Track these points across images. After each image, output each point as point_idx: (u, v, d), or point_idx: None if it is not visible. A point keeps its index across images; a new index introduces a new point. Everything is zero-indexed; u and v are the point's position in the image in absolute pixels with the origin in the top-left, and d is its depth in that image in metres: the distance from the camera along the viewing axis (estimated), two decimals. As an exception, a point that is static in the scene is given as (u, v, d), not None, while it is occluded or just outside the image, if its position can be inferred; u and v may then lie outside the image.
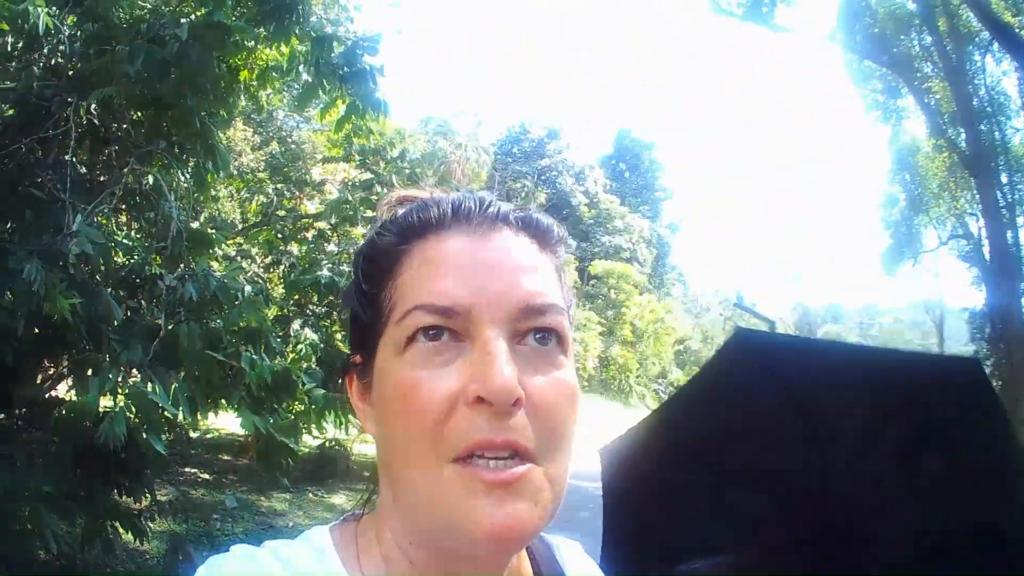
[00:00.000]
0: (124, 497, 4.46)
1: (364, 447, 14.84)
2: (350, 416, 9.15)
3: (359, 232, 11.67)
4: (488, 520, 0.60)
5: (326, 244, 11.23)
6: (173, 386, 4.23)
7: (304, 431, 8.94)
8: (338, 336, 11.35)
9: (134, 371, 4.13)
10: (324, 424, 7.16)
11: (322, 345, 10.67)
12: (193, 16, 4.78)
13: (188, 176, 5.05)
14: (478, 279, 0.67)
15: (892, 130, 24.31)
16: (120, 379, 3.89)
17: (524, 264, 0.69)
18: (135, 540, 4.66)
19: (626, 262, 55.53)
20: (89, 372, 4.11)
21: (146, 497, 4.63)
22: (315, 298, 10.32)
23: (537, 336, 0.67)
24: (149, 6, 5.05)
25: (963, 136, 18.45)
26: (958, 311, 29.91)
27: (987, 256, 18.84)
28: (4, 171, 4.22)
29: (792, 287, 43.19)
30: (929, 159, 23.01)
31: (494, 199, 0.75)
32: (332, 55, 5.49)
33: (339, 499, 9.85)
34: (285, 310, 10.71)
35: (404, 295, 0.68)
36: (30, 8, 3.87)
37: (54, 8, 4.26)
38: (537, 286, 0.68)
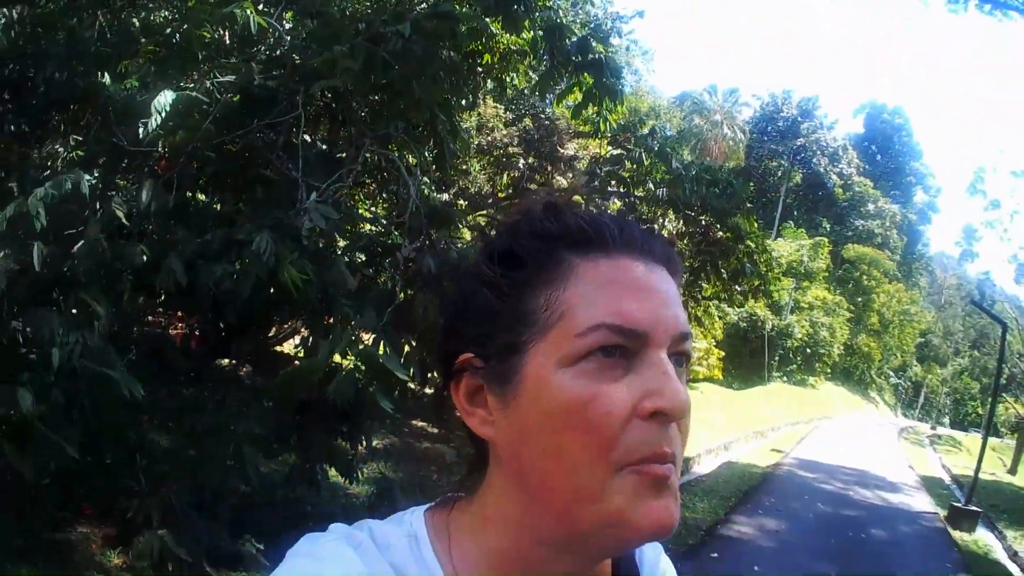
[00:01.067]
0: (341, 441, 4.68)
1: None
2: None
3: (616, 205, 11.65)
4: (655, 515, 0.64)
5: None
6: (405, 349, 4.35)
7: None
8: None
9: (367, 336, 4.27)
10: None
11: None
12: (418, 8, 4.85)
13: (428, 155, 5.15)
14: (655, 304, 0.68)
15: None
16: (352, 340, 4.03)
17: (677, 293, 0.72)
18: (344, 481, 4.87)
19: (877, 248, 52.56)
20: (319, 335, 4.31)
21: (363, 444, 4.81)
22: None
23: (679, 359, 0.70)
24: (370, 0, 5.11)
25: None
26: None
27: None
28: (233, 154, 4.43)
29: None
30: None
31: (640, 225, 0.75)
32: (565, 43, 5.45)
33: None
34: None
35: (578, 308, 0.67)
36: (236, 11, 4.03)
37: (267, 7, 4.44)
38: (684, 315, 0.71)
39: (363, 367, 4.07)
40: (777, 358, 39.45)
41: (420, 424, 9.60)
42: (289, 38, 4.74)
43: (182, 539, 3.88)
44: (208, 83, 4.39)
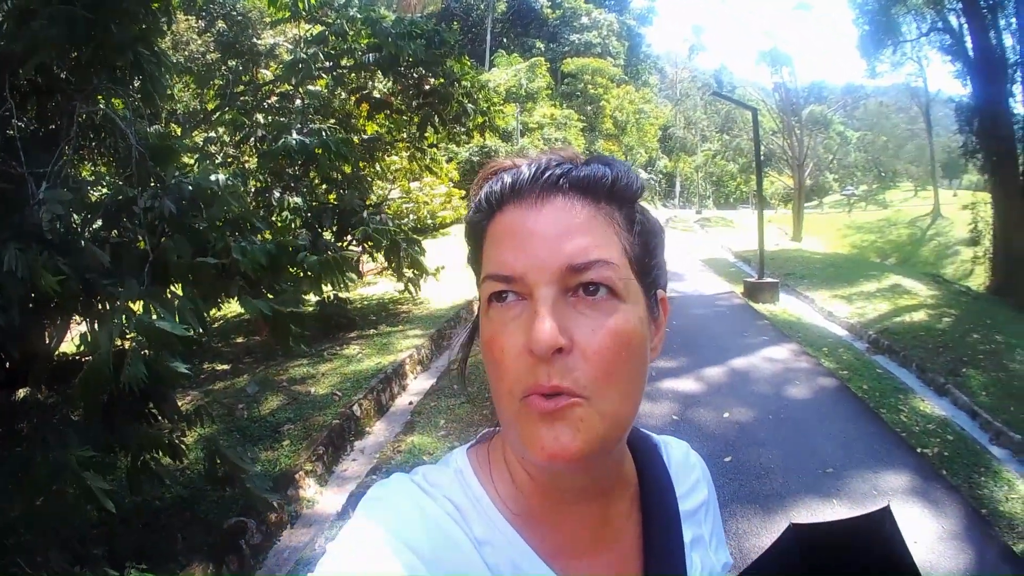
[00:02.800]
0: (155, 423, 4.56)
1: (365, 291, 15.08)
2: (348, 275, 9.35)
3: (323, 82, 11.47)
4: (540, 444, 0.74)
5: (291, 105, 11.05)
6: (175, 303, 4.25)
7: (305, 296, 9.11)
8: (321, 190, 11.36)
9: (137, 305, 4.13)
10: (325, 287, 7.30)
11: (305, 206, 10.69)
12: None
13: (136, 94, 4.90)
14: (529, 248, 0.78)
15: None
16: (124, 319, 3.89)
17: (569, 226, 0.78)
18: (174, 461, 4.81)
19: (599, 57, 54.57)
20: (95, 325, 4.13)
21: (176, 416, 4.72)
22: (289, 162, 10.22)
23: (588, 289, 0.77)
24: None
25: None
26: (944, 101, 29.58)
27: (970, 53, 18.28)
28: None
29: (771, 71, 42.12)
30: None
31: (552, 164, 0.82)
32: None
33: (352, 350, 10.06)
34: (263, 181, 10.64)
35: (483, 264, 0.83)
36: None
37: None
38: (579, 245, 0.77)
39: (145, 340, 3.95)
40: None
41: (209, 366, 9.40)
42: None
43: None
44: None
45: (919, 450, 6.47)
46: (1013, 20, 17.44)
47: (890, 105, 59.70)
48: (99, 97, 4.67)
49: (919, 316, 12.34)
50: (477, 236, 0.86)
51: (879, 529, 0.98)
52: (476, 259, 0.87)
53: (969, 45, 18.49)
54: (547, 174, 0.81)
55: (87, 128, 4.67)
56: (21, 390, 4.78)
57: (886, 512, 0.99)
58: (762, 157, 20.08)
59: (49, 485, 3.63)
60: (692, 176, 74.49)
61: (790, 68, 42.54)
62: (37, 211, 3.78)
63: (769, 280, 15.05)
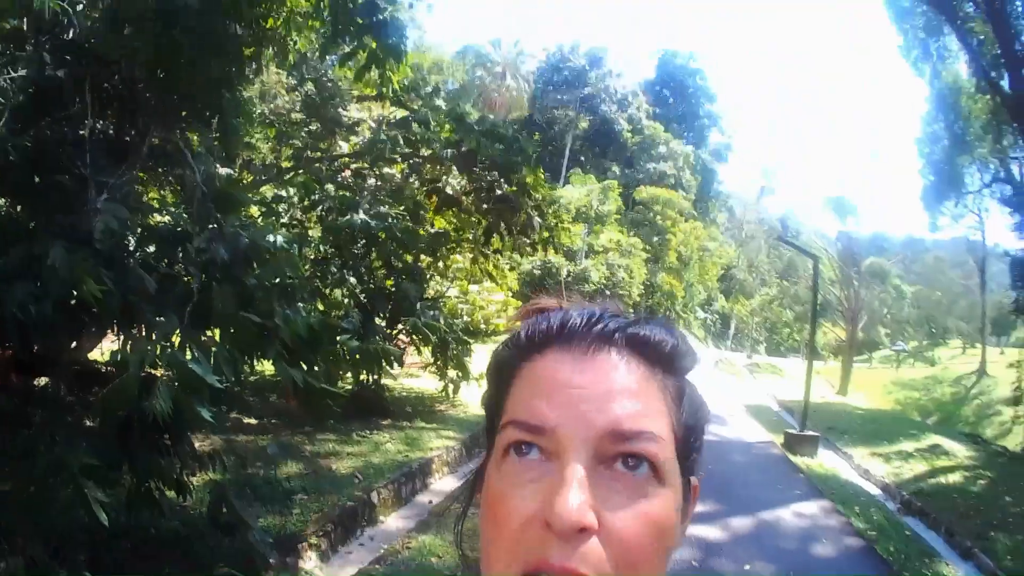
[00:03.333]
0: (167, 457, 4.57)
1: (406, 382, 15.06)
2: (385, 366, 9.36)
3: (400, 167, 11.70)
4: None
5: (363, 183, 11.27)
6: (212, 350, 4.29)
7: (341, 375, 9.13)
8: (379, 274, 11.47)
9: (175, 339, 4.18)
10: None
11: (359, 288, 10.79)
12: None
13: (213, 133, 5.05)
14: (569, 400, 0.68)
15: (933, 68, 23.36)
16: (159, 349, 3.94)
17: (620, 386, 0.70)
18: (178, 496, 4.80)
19: (671, 188, 55.11)
20: (128, 348, 4.19)
21: (188, 455, 4.74)
22: (352, 240, 10.37)
23: (628, 463, 0.67)
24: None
25: (1006, 79, 17.77)
26: (999, 255, 29.42)
27: None
28: (22, 159, 4.23)
29: (836, 218, 42.54)
30: (972, 100, 22.11)
31: (607, 314, 0.76)
32: (350, 4, 5.46)
33: (383, 437, 9.99)
34: (323, 252, 10.80)
35: (509, 408, 0.73)
36: None
37: None
38: (629, 410, 0.68)
39: (175, 375, 3.99)
40: None
41: (237, 416, 9.40)
42: (77, 21, 4.47)
43: None
44: (1, 80, 4.12)
45: None
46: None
47: (946, 260, 59.31)
48: (176, 129, 4.81)
49: (954, 478, 12.04)
50: (504, 375, 0.77)
51: None
52: (497, 400, 0.77)
53: None
54: (602, 324, 0.74)
55: (159, 153, 4.80)
56: (39, 379, 4.82)
57: None
58: (819, 307, 19.93)
59: (45, 479, 3.64)
60: (747, 320, 74.14)
61: (855, 218, 42.62)
62: (92, 218, 3.86)
63: (810, 433, 14.68)
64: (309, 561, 6.16)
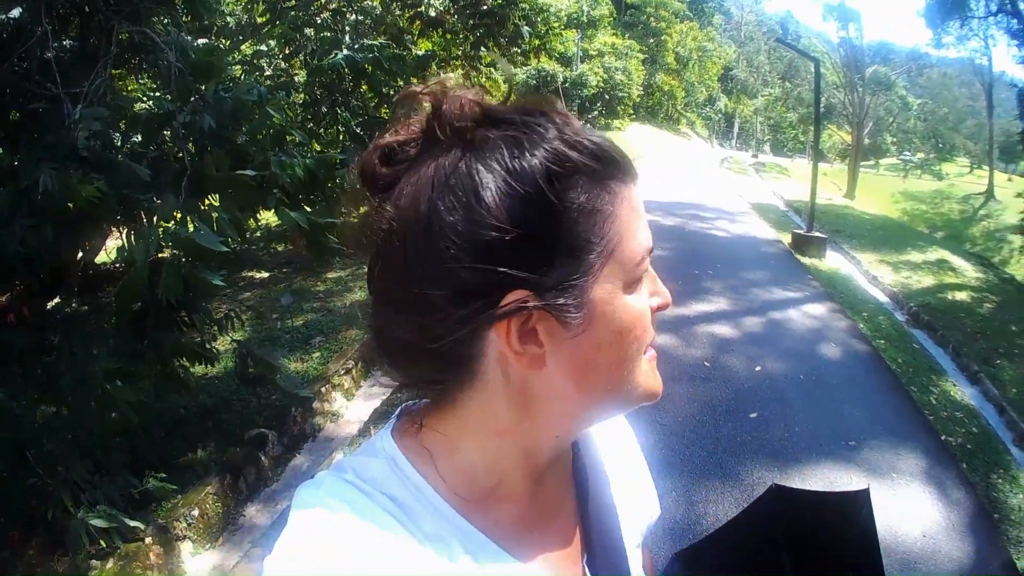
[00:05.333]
0: (186, 330, 4.69)
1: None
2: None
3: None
4: (658, 385, 0.83)
5: (343, 20, 11.00)
6: (214, 216, 4.33)
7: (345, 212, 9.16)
8: (371, 104, 11.37)
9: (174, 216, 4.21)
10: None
11: (353, 121, 10.71)
12: None
13: (180, 10, 4.93)
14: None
15: None
16: (161, 232, 3.99)
17: None
18: (205, 367, 4.95)
19: (662, -10, 53.43)
20: (131, 239, 4.22)
21: (207, 324, 4.85)
22: (340, 77, 10.22)
23: None
24: None
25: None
26: (1007, 84, 28.56)
27: None
28: None
29: (838, 26, 41.38)
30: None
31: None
32: None
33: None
34: (312, 95, 10.66)
35: (628, 237, 0.75)
36: None
37: None
38: None
39: (181, 252, 4.06)
40: (576, 107, 40.58)
41: (248, 274, 9.57)
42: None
43: (98, 510, 3.89)
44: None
45: (943, 437, 6.37)
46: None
47: (953, 77, 57.90)
48: (142, 18, 4.69)
49: (961, 296, 12.02)
50: (594, 200, 0.73)
51: (856, 510, 1.00)
52: (591, 232, 0.73)
53: None
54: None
55: (128, 46, 4.71)
56: (51, 301, 4.91)
57: (865, 495, 1.00)
58: (822, 110, 19.64)
59: (74, 395, 3.77)
60: (751, 119, 73.31)
61: (857, 25, 41.49)
62: (73, 131, 3.85)
63: (818, 234, 14.66)
64: (335, 402, 6.39)
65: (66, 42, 4.63)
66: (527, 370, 0.75)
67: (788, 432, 6.08)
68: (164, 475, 4.54)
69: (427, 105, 0.77)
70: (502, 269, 0.69)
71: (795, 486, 1.03)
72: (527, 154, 0.71)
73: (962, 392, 7.75)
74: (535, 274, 0.70)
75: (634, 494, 1.02)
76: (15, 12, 4.11)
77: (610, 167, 0.74)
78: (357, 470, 0.78)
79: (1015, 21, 19.46)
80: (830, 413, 6.58)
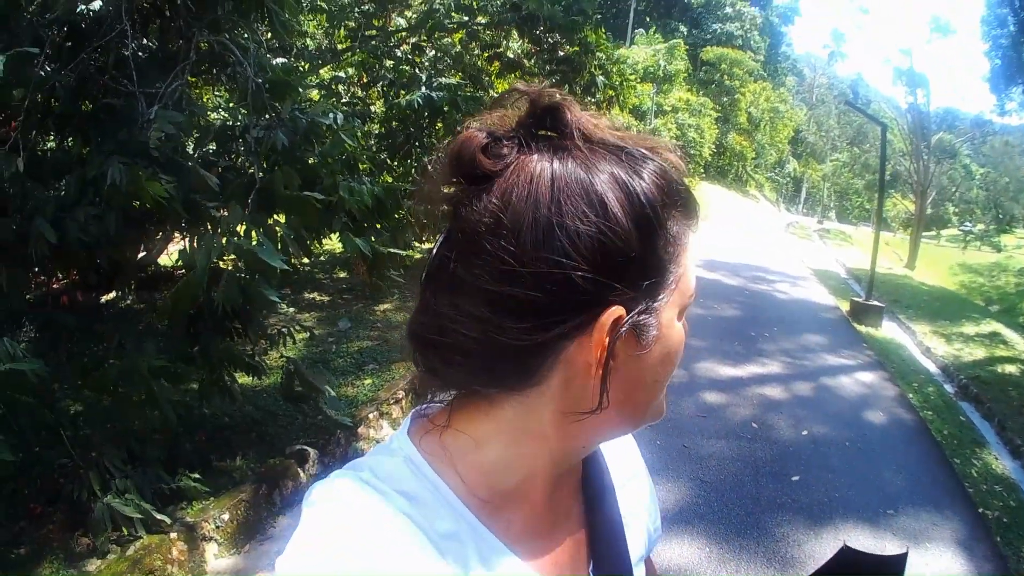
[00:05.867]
0: (238, 340, 4.76)
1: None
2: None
3: (458, 36, 11.55)
4: (665, 407, 0.88)
5: (422, 55, 11.18)
6: (279, 233, 4.37)
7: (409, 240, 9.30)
8: (445, 142, 11.49)
9: (240, 228, 4.25)
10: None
11: (426, 157, 10.82)
12: None
13: (261, 25, 5.02)
14: None
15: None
16: (224, 242, 4.02)
17: None
18: (252, 379, 4.98)
19: (739, 49, 53.60)
20: (194, 243, 4.28)
21: (261, 337, 4.89)
22: (417, 114, 10.34)
23: None
24: None
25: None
26: None
27: None
28: (71, 91, 4.23)
29: (906, 90, 41.28)
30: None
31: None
32: None
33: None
34: (389, 126, 10.79)
35: (689, 271, 0.82)
36: None
37: None
38: None
39: (242, 263, 4.10)
40: None
41: (309, 296, 9.65)
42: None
43: (126, 498, 3.94)
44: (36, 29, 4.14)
45: (980, 510, 6.25)
46: None
47: (1015, 145, 57.01)
48: (222, 28, 4.78)
49: (1011, 369, 11.75)
50: (676, 236, 0.78)
51: (892, 570, 1.00)
52: (666, 258, 0.77)
53: None
54: None
55: (207, 55, 4.79)
56: (107, 295, 4.98)
57: (903, 558, 1.00)
58: (887, 177, 19.43)
59: (116, 387, 3.80)
60: (819, 185, 72.88)
61: (925, 91, 41.17)
62: (145, 130, 3.91)
63: (875, 303, 14.49)
64: (381, 429, 6.38)
65: (145, 42, 4.73)
66: (593, 382, 0.74)
67: (828, 497, 6.00)
68: (199, 476, 4.56)
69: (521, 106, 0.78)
70: (614, 283, 0.71)
71: (864, 549, 1.00)
72: (639, 176, 0.74)
73: (1004, 465, 7.59)
74: (628, 289, 0.73)
75: (638, 508, 1.03)
76: (96, 5, 4.18)
77: (693, 209, 0.81)
78: (373, 468, 0.78)
79: None
80: (872, 480, 6.49)
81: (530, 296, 0.70)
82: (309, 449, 5.44)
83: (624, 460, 1.05)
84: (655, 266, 0.75)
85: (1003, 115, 28.60)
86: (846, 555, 1.00)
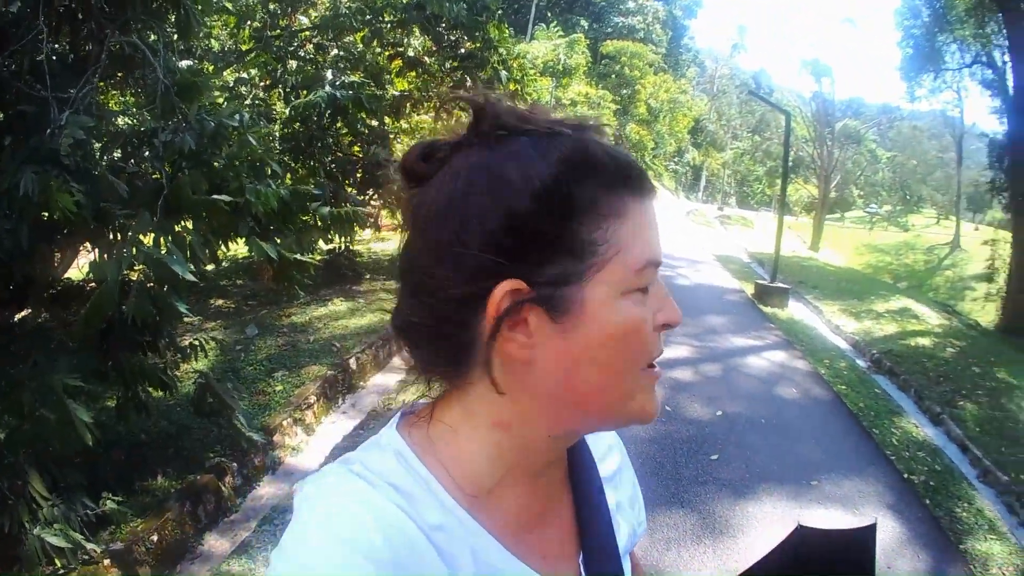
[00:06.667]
0: (150, 354, 4.62)
1: (378, 245, 15.07)
2: (358, 230, 9.38)
3: (360, 34, 11.46)
4: (656, 405, 0.83)
5: (326, 55, 11.06)
6: (188, 240, 4.29)
7: (314, 244, 9.19)
8: (346, 141, 11.36)
9: (147, 238, 4.16)
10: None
11: (328, 158, 10.71)
12: None
13: (170, 27, 4.92)
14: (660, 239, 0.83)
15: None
16: (135, 251, 3.93)
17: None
18: (165, 395, 4.86)
19: (640, 43, 54.20)
20: (104, 255, 4.17)
21: (171, 350, 4.78)
22: (320, 114, 10.23)
23: None
24: None
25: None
26: (977, 135, 29.30)
27: (1011, 91, 18.06)
28: None
29: (811, 80, 42.57)
30: (955, -22, 21.54)
31: (633, 159, 0.84)
32: None
33: (358, 303, 10.05)
34: (290, 129, 10.65)
35: (632, 245, 0.79)
36: None
37: None
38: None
39: (152, 273, 4.01)
40: None
41: (214, 302, 9.48)
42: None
43: (55, 528, 3.81)
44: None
45: (906, 475, 6.45)
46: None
47: (923, 131, 59.03)
48: (133, 30, 4.66)
49: (924, 342, 12.20)
50: (597, 206, 0.78)
51: (859, 542, 1.03)
52: (587, 235, 0.77)
53: (1011, 83, 18.20)
54: (642, 171, 0.84)
55: (118, 58, 4.67)
56: (21, 312, 4.82)
57: (870, 529, 1.03)
58: (790, 163, 19.94)
59: (33, 409, 3.68)
60: (718, 172, 74.26)
61: (830, 79, 42.40)
62: (57, 136, 3.79)
63: (781, 284, 14.87)
64: (295, 437, 6.32)
65: (58, 46, 4.59)
66: (517, 359, 0.78)
67: (749, 472, 6.15)
68: (121, 499, 4.44)
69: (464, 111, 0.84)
70: (499, 259, 0.75)
71: (818, 525, 1.04)
72: (548, 151, 0.77)
73: (924, 433, 7.87)
74: (532, 264, 0.76)
75: (624, 503, 1.06)
76: (15, 7, 4.05)
77: (624, 177, 0.80)
78: (364, 462, 0.80)
79: (990, 72, 19.86)
80: (791, 454, 6.66)
81: (439, 275, 0.77)
82: (228, 462, 5.35)
83: (610, 456, 1.07)
84: (565, 240, 0.76)
85: (913, 101, 29.48)
86: (803, 534, 1.03)
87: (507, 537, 0.83)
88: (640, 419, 0.83)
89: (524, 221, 0.74)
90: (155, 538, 4.41)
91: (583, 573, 0.91)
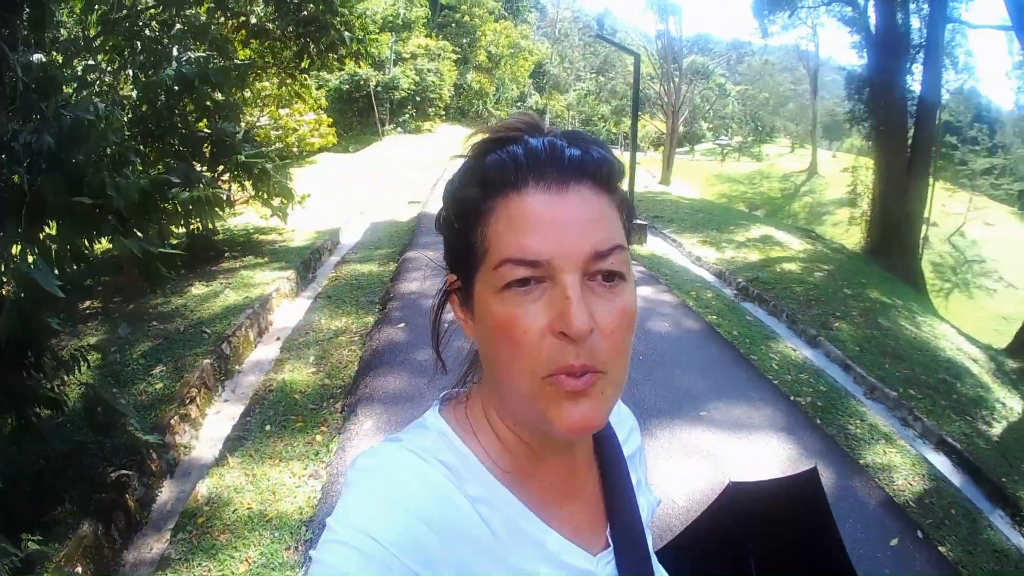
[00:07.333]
0: (35, 373, 4.39)
1: (232, 221, 14.65)
2: (217, 211, 9.08)
3: (203, 8, 11.00)
4: (571, 418, 0.80)
5: (169, 31, 10.56)
6: (53, 248, 4.10)
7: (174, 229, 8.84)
8: (191, 118, 10.93)
9: (15, 249, 3.90)
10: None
11: (175, 138, 10.30)
12: None
13: (23, 24, 4.57)
14: (556, 234, 0.79)
15: None
16: (3, 268, 3.68)
17: (593, 215, 0.82)
18: (54, 413, 4.60)
19: (479, -10, 54.01)
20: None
21: (54, 366, 4.53)
22: (168, 92, 9.79)
23: (607, 275, 0.81)
24: None
25: None
26: (834, 68, 30.27)
27: (872, 28, 18.82)
28: None
29: (657, 19, 43.30)
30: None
31: (564, 144, 0.84)
32: None
33: (220, 284, 9.76)
34: (139, 112, 10.15)
35: (496, 245, 0.82)
36: None
37: None
38: (603, 233, 0.81)
39: (21, 290, 3.75)
40: (388, 111, 40.92)
41: (83, 305, 8.98)
42: None
43: None
44: None
45: (792, 398, 6.65)
46: (925, 6, 18.07)
47: (775, 64, 60.66)
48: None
49: (791, 267, 12.58)
50: (474, 210, 0.85)
51: (806, 489, 1.11)
52: (470, 236, 0.85)
53: (872, 20, 18.96)
54: (567, 156, 0.83)
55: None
56: None
57: (813, 474, 1.12)
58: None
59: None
60: (563, 114, 75.12)
61: (677, 18, 43.20)
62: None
63: (637, 221, 15.07)
64: (184, 434, 6.13)
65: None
66: (472, 340, 0.93)
67: (636, 409, 6.16)
68: (40, 536, 4.18)
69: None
70: (448, 258, 0.93)
71: (751, 480, 1.15)
72: (461, 168, 0.89)
73: (803, 355, 8.19)
74: (453, 266, 0.92)
75: (643, 480, 1.16)
76: None
77: (493, 177, 0.84)
78: (412, 440, 0.91)
79: (849, 9, 20.50)
80: (675, 387, 6.78)
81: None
82: (128, 473, 5.11)
83: (631, 438, 1.16)
84: (464, 241, 0.86)
85: (767, 37, 30.18)
86: (736, 490, 1.12)
87: (541, 510, 0.93)
88: (552, 430, 0.82)
89: (448, 224, 0.90)
90: (79, 569, 4.21)
91: (611, 543, 1.00)
